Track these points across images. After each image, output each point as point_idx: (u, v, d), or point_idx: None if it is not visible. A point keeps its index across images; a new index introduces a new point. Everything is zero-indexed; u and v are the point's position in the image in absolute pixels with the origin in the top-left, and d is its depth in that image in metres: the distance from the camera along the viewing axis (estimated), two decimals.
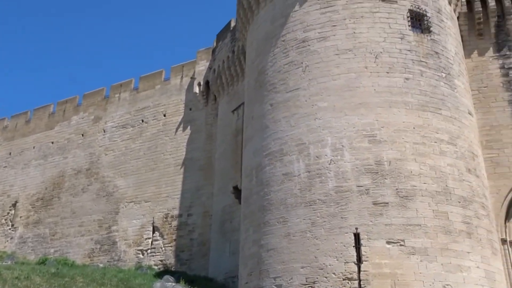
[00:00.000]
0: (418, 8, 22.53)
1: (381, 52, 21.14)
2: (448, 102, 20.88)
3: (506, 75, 24.37)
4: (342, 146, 19.40)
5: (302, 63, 22.01)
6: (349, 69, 20.97)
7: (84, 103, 45.44)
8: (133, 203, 37.54)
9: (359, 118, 19.80)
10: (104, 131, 42.34)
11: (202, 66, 38.15)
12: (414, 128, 19.60)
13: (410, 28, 21.98)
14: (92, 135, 43.01)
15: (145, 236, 35.96)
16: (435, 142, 19.55)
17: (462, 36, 25.33)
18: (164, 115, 39.28)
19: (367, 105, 19.98)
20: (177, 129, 38.10)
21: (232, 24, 34.08)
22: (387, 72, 20.73)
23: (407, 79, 20.64)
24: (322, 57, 21.70)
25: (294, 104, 21.31)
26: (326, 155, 19.47)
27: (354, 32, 21.78)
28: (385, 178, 18.46)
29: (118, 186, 38.93)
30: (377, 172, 18.57)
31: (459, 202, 18.82)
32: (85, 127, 43.84)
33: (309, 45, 22.24)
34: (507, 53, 24.95)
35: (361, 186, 18.44)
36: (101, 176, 40.32)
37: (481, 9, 25.53)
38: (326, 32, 22.14)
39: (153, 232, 35.77)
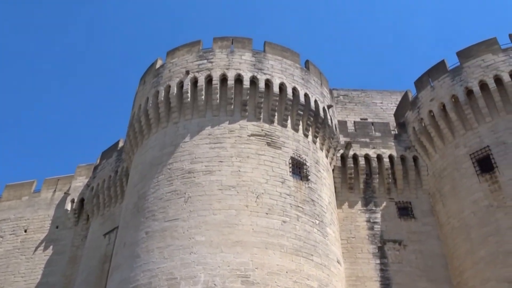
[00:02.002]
0: (299, 156, 24.31)
1: (262, 193, 21.88)
2: (319, 249, 21.66)
3: (372, 228, 26.42)
4: (215, 285, 18.67)
5: (185, 193, 21.87)
6: (230, 205, 21.20)
7: None
8: None
9: (235, 256, 19.54)
10: None
11: (79, 182, 36.05)
12: (287, 272, 19.72)
13: (291, 174, 23.36)
14: None
15: None
16: None
17: (335, 188, 27.52)
18: (25, 231, 35.20)
19: (244, 243, 19.93)
20: (37, 248, 34.14)
21: (120, 144, 33.59)
22: (267, 213, 21.27)
23: (284, 222, 21.29)
24: (206, 190, 21.83)
25: (171, 235, 20.56)
26: None
27: (239, 170, 22.54)
28: None
29: None
30: None
31: None
32: None
33: (194, 177, 22.38)
34: (373, 208, 27.38)
35: None
36: None
37: (353, 165, 28.33)
38: (213, 166, 22.64)
39: None
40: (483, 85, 26.90)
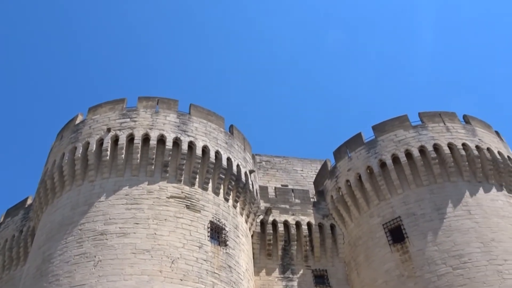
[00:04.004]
0: (218, 221, 23.96)
1: (178, 258, 21.11)
2: None
3: None
4: None
5: (95, 256, 20.55)
6: (143, 270, 20.16)
7: None
8: None
9: None
10: None
11: None
12: None
13: (209, 238, 22.86)
14: None
15: None
16: None
17: (254, 254, 27.23)
18: None
19: None
20: None
21: (29, 201, 31.40)
22: (181, 280, 20.43)
23: None
24: (118, 254, 20.68)
25: None
26: None
27: (156, 233, 21.72)
28: None
29: None
30: None
31: None
32: None
33: (107, 239, 21.21)
34: (290, 275, 27.25)
35: None
36: None
37: (272, 231, 28.35)
38: (128, 228, 21.66)
39: None
40: (395, 158, 28.53)
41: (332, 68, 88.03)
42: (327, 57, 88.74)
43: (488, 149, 28.10)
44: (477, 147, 27.98)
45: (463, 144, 27.96)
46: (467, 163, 27.33)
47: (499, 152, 28.29)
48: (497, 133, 30.98)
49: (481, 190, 26.61)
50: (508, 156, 28.63)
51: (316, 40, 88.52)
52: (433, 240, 24.74)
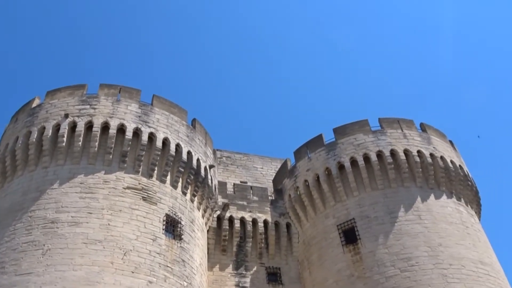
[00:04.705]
0: (175, 214, 23.79)
1: (131, 250, 20.83)
2: None
3: None
4: None
5: (44, 245, 20.01)
6: (94, 261, 19.79)
7: None
8: None
9: None
10: None
11: None
12: None
13: (164, 232, 22.67)
14: None
15: None
16: None
17: (208, 249, 27.21)
18: None
19: None
20: None
21: None
22: (132, 272, 20.18)
23: (150, 282, 20.31)
24: (69, 243, 20.22)
25: None
26: None
27: (109, 224, 21.37)
28: None
29: None
30: None
31: None
32: None
33: (57, 228, 20.69)
34: (244, 272, 27.40)
35: None
36: None
37: (228, 227, 28.40)
38: (80, 218, 21.21)
39: None
40: (353, 162, 29.08)
41: (299, 67, 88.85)
42: (294, 56, 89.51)
43: (441, 157, 29.07)
44: (431, 155, 28.90)
45: (418, 151, 28.81)
46: (420, 169, 28.19)
47: (451, 161, 29.32)
48: (451, 142, 32.09)
49: (432, 196, 27.52)
50: (459, 165, 29.72)
51: (285, 37, 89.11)
52: (384, 243, 25.43)
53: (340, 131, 30.91)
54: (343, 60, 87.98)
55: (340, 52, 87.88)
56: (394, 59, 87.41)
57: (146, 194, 23.34)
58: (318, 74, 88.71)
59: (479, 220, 29.86)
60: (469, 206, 28.99)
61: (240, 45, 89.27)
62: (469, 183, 29.70)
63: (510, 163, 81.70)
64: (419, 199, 27.21)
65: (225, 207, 28.67)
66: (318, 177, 29.46)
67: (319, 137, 31.52)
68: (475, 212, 29.60)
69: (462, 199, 28.67)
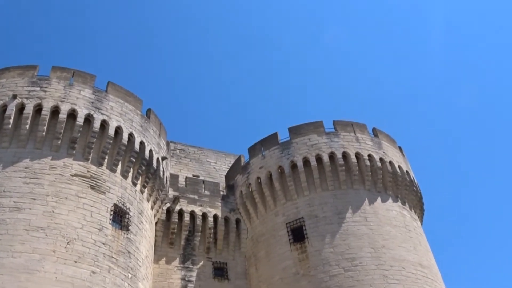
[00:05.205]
0: (123, 204, 23.35)
1: (75, 239, 20.29)
2: None
3: (185, 287, 26.16)
4: None
5: None
6: (35, 249, 19.14)
7: None
8: None
9: None
10: None
11: None
12: None
13: (111, 221, 22.21)
14: None
15: None
16: None
17: (156, 241, 26.89)
18: None
19: None
20: None
21: None
22: (75, 261, 19.66)
23: (93, 272, 19.86)
24: (9, 229, 19.46)
25: None
26: None
27: (53, 211, 20.72)
28: None
29: None
30: None
31: None
32: None
33: None
34: (190, 266, 27.29)
35: None
36: None
37: (177, 220, 28.17)
38: (23, 203, 20.45)
39: None
40: (306, 162, 29.52)
41: (260, 64, 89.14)
42: (255, 52, 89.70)
43: (390, 162, 29.99)
44: (381, 159, 29.77)
45: (369, 155, 29.60)
46: (370, 173, 28.98)
47: (399, 166, 30.32)
48: (400, 148, 33.18)
49: (379, 200, 28.38)
50: (406, 171, 30.78)
51: (247, 32, 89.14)
52: (330, 242, 26.00)
53: (295, 131, 31.29)
54: (307, 61, 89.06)
55: (306, 52, 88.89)
56: (360, 64, 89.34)
57: (94, 182, 22.79)
58: (278, 72, 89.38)
59: (421, 224, 31.06)
60: (412, 210, 30.10)
61: (200, 38, 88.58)
62: (414, 188, 30.83)
63: (452, 170, 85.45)
64: (366, 201, 27.99)
65: (175, 200, 28.42)
66: (270, 175, 29.70)
67: (274, 135, 31.78)
68: (418, 217, 30.77)
69: (406, 203, 29.73)
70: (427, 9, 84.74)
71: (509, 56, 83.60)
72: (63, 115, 23.60)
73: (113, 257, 21.08)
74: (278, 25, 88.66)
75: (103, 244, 21.10)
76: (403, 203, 29.47)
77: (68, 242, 19.99)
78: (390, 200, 28.77)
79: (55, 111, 23.83)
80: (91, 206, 21.95)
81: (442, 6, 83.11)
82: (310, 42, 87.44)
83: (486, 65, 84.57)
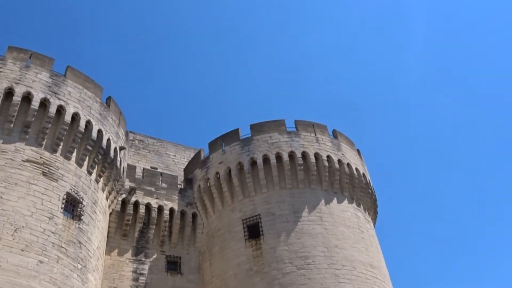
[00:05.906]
0: (76, 193, 22.73)
1: (23, 227, 19.59)
2: None
3: (136, 280, 25.76)
4: None
5: None
6: None
7: None
8: None
9: None
10: None
11: None
12: None
13: (62, 210, 21.57)
14: None
15: None
16: None
17: (109, 233, 26.31)
18: None
19: None
20: None
21: None
22: (22, 250, 18.99)
23: (41, 262, 19.24)
24: None
25: None
26: None
27: (1, 197, 19.95)
28: None
29: None
30: None
31: None
32: None
33: None
34: (143, 259, 26.87)
35: None
36: None
37: (132, 212, 27.67)
38: None
39: None
40: (266, 159, 29.63)
41: (224, 58, 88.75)
42: (219, 47, 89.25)
43: (348, 164, 30.52)
44: (339, 161, 30.24)
45: (328, 156, 30.01)
46: (328, 174, 29.40)
47: (356, 169, 30.90)
48: (358, 151, 33.82)
49: (335, 200, 28.85)
50: (363, 174, 31.41)
51: (211, 25, 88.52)
52: (285, 240, 26.23)
53: (257, 128, 31.34)
54: (276, 60, 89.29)
55: (276, 50, 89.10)
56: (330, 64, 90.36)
57: (47, 169, 22.06)
58: (245, 69, 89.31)
59: (374, 226, 31.81)
60: (367, 212, 30.77)
61: (165, 30, 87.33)
62: (370, 191, 31.52)
63: (406, 175, 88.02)
64: (323, 201, 28.38)
65: (131, 191, 27.90)
66: (229, 171, 29.63)
67: (236, 131, 31.71)
68: (372, 219, 31.49)
69: (361, 205, 30.34)
70: (404, 13, 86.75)
71: (477, 60, 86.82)
72: (17, 98, 22.72)
73: (62, 247, 20.48)
74: (248, 18, 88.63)
75: (53, 233, 20.47)
76: (358, 205, 30.06)
77: (15, 230, 19.29)
78: (345, 201, 29.30)
79: (9, 93, 22.90)
80: (42, 193, 21.25)
81: (420, 11, 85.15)
82: (279, 41, 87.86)
83: (460, 72, 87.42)
